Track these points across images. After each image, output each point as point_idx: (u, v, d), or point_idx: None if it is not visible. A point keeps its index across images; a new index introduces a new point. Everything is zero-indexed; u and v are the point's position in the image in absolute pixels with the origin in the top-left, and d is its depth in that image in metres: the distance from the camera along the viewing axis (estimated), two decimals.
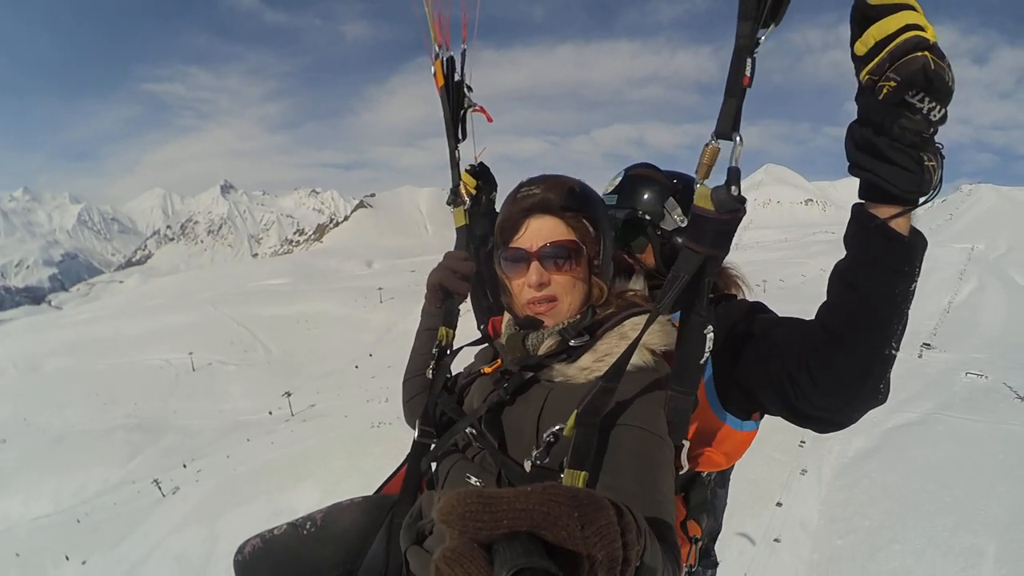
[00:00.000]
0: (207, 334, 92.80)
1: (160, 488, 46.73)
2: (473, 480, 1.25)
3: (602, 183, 1.90)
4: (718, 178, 1.01)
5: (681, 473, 1.25)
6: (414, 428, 1.51)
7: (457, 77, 1.74)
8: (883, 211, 0.96)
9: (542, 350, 1.32)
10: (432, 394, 1.48)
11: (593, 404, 1.09)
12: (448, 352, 1.56)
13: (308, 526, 1.46)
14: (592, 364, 1.24)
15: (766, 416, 1.37)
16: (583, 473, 1.05)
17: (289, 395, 62.35)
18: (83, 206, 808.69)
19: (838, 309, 1.05)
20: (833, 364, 1.06)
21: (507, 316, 1.46)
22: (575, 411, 1.09)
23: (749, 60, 0.94)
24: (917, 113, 0.89)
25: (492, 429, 1.29)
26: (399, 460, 1.59)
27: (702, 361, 1.16)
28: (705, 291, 1.09)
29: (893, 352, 1.04)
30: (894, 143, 0.91)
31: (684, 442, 1.21)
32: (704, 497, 1.42)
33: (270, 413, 62.50)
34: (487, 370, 1.42)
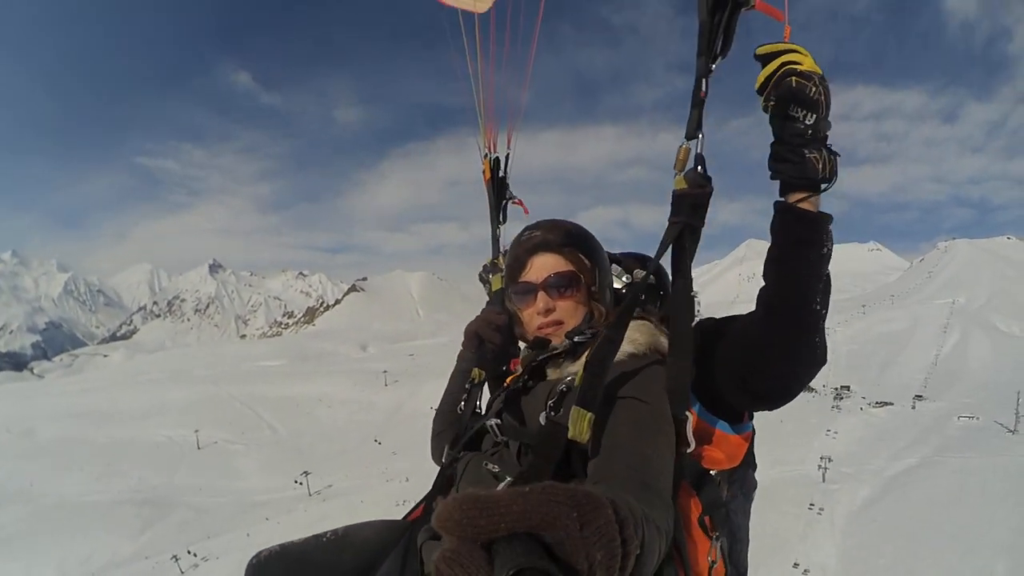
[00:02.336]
0: (210, 412, 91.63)
1: (179, 564, 45.17)
2: (490, 467, 1.40)
3: None
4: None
5: (688, 452, 1.33)
6: (439, 461, 1.72)
7: (501, 174, 2.19)
8: (792, 198, 1.24)
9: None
10: (463, 420, 1.67)
11: (599, 352, 1.23)
12: (480, 388, 1.76)
13: (328, 535, 1.50)
14: (579, 375, 1.29)
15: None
16: (589, 414, 1.15)
17: (307, 474, 61.39)
18: (70, 275, 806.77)
19: (769, 284, 1.28)
20: (773, 328, 1.26)
21: (526, 349, 1.67)
22: (583, 358, 1.25)
23: (704, 81, 1.28)
24: (797, 122, 1.20)
25: (510, 412, 1.51)
26: None
27: (693, 324, 1.36)
28: (688, 258, 1.33)
29: (819, 309, 1.25)
30: (783, 145, 1.22)
31: (687, 414, 1.31)
32: (717, 496, 1.48)
33: (297, 483, 61.11)
34: (508, 382, 1.63)
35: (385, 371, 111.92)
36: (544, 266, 1.52)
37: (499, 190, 2.20)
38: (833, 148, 1.23)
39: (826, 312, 1.27)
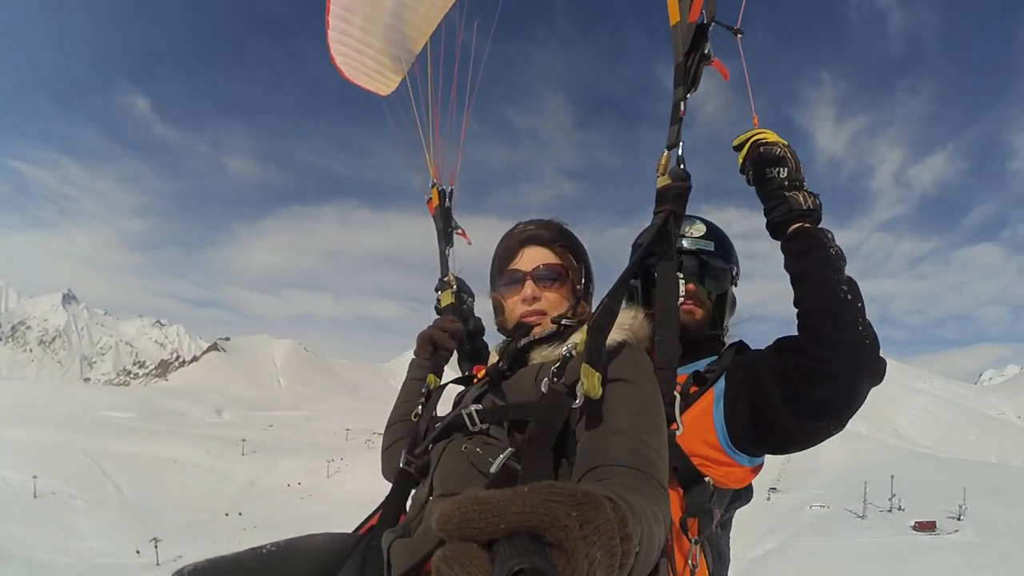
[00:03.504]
0: (50, 459, 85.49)
1: None
2: (474, 449, 1.29)
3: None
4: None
5: (677, 435, 1.41)
6: (390, 476, 1.63)
7: (447, 204, 2.36)
8: (788, 231, 1.49)
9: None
10: (421, 424, 1.58)
11: (600, 319, 1.23)
12: (438, 395, 1.70)
13: (269, 546, 1.28)
14: (581, 341, 1.28)
15: None
16: (598, 373, 1.14)
17: (157, 541, 60.57)
18: None
19: (799, 296, 1.43)
20: (815, 328, 1.37)
21: (496, 346, 1.67)
22: (586, 325, 1.23)
23: (683, 104, 1.48)
24: (773, 179, 1.50)
25: (494, 397, 1.40)
26: None
27: (679, 303, 1.54)
28: (672, 241, 1.46)
29: (850, 299, 1.37)
30: (768, 197, 1.52)
31: (675, 394, 1.39)
32: (703, 500, 1.48)
33: (138, 552, 60.25)
34: (479, 372, 1.58)
35: (244, 440, 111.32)
36: (534, 257, 1.55)
37: (447, 216, 2.33)
38: (811, 190, 1.49)
39: (862, 305, 1.38)
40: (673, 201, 1.47)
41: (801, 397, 1.38)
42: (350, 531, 1.51)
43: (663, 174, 1.50)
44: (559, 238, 1.59)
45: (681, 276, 1.76)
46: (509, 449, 1.24)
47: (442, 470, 1.35)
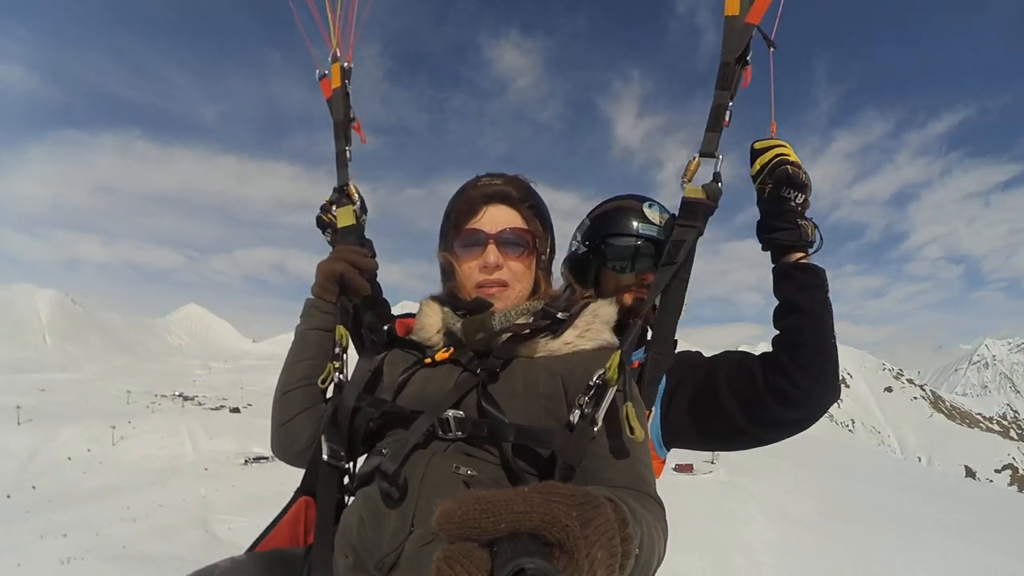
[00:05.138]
0: None
1: None
2: (464, 471, 1.08)
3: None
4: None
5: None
6: (296, 457, 1.38)
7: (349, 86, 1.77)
8: (791, 258, 1.45)
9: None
10: (346, 400, 1.25)
11: (627, 346, 1.16)
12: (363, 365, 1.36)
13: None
14: (576, 339, 1.23)
15: None
16: (633, 409, 1.05)
17: None
18: None
19: (795, 326, 1.43)
20: (806, 361, 1.39)
21: (435, 308, 1.38)
22: (616, 352, 1.11)
23: (728, 111, 1.39)
24: (790, 201, 1.42)
25: (489, 404, 1.13)
26: None
27: (679, 320, 1.43)
28: (691, 259, 1.40)
29: (835, 339, 1.42)
30: (779, 219, 1.44)
31: (654, 408, 1.41)
32: None
33: None
34: (441, 356, 1.27)
35: (18, 407, 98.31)
36: (500, 218, 1.32)
37: (347, 102, 1.72)
38: (815, 220, 1.48)
39: (836, 352, 1.43)
40: (703, 219, 1.39)
41: (765, 411, 1.41)
42: (251, 552, 1.28)
43: (690, 181, 1.41)
44: (528, 198, 1.37)
45: (630, 263, 1.71)
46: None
47: (431, 496, 1.05)
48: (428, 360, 1.28)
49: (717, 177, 1.40)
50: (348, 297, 1.45)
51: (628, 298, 1.72)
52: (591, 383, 1.12)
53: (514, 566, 0.47)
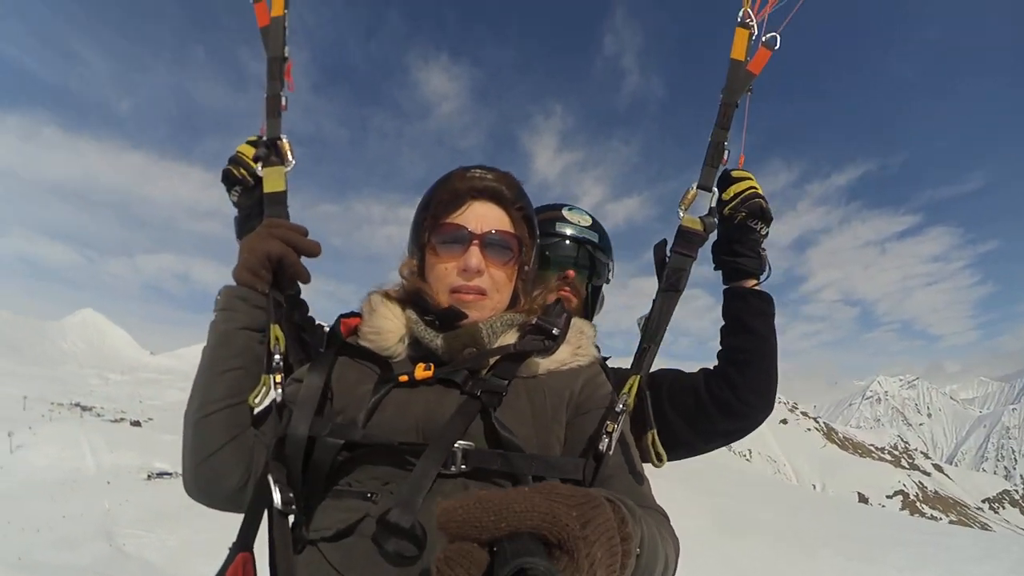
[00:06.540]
0: None
1: None
2: None
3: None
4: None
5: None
6: (227, 501, 1.08)
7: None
8: (747, 283, 1.52)
9: (503, 342, 1.14)
10: (297, 428, 1.00)
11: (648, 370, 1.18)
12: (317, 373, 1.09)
13: None
14: (570, 358, 1.16)
15: None
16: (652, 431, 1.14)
17: None
18: None
19: (745, 346, 1.49)
20: (752, 377, 1.47)
21: (395, 310, 1.19)
22: (634, 377, 1.16)
23: (725, 149, 1.42)
24: (756, 232, 1.47)
25: (505, 432, 0.99)
26: None
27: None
28: (685, 283, 1.40)
29: (778, 361, 1.50)
30: (745, 245, 1.49)
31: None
32: None
33: None
34: (422, 374, 1.07)
35: None
36: (487, 217, 1.16)
37: (283, 36, 1.42)
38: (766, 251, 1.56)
39: (778, 373, 1.52)
40: (696, 250, 1.38)
41: (707, 421, 1.49)
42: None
43: (687, 210, 1.41)
44: (520, 200, 1.21)
45: (556, 264, 1.75)
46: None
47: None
48: (404, 377, 1.07)
49: (712, 212, 1.42)
50: (280, 288, 1.20)
51: (551, 298, 1.60)
52: (617, 409, 1.07)
53: (515, 566, 0.47)
